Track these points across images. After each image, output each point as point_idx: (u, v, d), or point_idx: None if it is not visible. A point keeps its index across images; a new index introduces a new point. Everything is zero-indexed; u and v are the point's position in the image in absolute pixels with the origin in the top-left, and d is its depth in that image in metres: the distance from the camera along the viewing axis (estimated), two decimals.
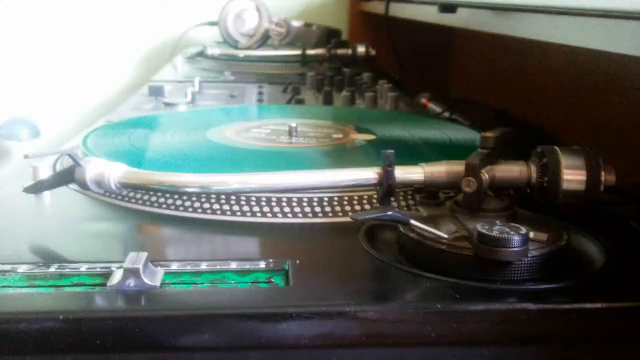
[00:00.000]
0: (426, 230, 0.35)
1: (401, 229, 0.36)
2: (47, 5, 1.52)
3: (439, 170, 0.38)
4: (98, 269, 0.34)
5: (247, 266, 0.35)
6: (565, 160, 0.35)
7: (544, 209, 0.38)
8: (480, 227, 0.33)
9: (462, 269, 0.33)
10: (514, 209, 0.37)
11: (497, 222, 0.34)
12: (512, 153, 0.39)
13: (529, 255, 0.33)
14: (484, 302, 0.31)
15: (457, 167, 0.38)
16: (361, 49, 1.15)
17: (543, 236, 0.34)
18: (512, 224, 0.34)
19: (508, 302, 0.31)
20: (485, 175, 0.36)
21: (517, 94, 1.09)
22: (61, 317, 0.29)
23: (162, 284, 0.33)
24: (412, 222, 0.35)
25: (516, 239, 0.32)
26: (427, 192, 0.41)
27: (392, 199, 0.39)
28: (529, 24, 0.60)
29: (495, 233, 0.32)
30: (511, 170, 0.37)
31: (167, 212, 0.43)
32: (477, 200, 0.37)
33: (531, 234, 0.34)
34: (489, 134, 0.38)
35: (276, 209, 0.42)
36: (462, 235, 0.35)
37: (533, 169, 0.37)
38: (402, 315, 0.30)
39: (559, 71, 0.93)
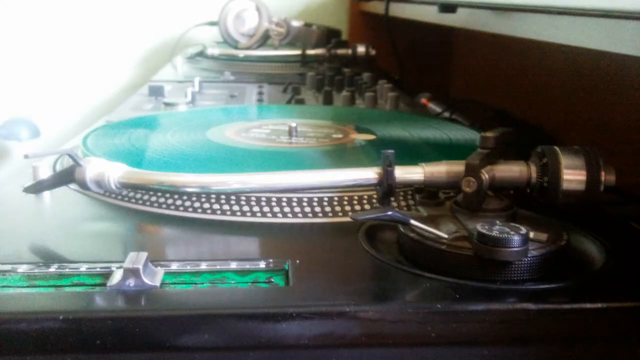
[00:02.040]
0: (426, 230, 0.35)
1: (401, 229, 0.36)
2: (47, 5, 1.52)
3: (439, 170, 0.38)
4: (98, 269, 0.34)
5: (247, 266, 0.35)
6: (565, 160, 0.35)
7: (544, 209, 0.38)
8: (480, 227, 0.33)
9: (462, 269, 0.33)
10: (514, 209, 0.38)
11: (497, 222, 0.34)
12: (512, 153, 0.39)
13: (529, 255, 0.33)
14: (484, 302, 0.31)
15: (457, 167, 0.38)
16: (361, 49, 1.15)
17: (543, 236, 0.34)
18: (512, 224, 0.34)
19: (508, 302, 0.31)
20: (485, 175, 0.36)
21: (517, 94, 1.09)
22: (61, 317, 0.29)
23: (162, 284, 0.33)
24: (412, 222, 0.35)
25: (516, 239, 0.32)
26: (427, 192, 0.41)
27: (392, 199, 0.39)
28: (529, 24, 0.60)
29: (495, 233, 0.32)
30: (511, 170, 0.37)
31: (167, 212, 0.43)
32: (477, 200, 0.37)
33: (531, 234, 0.34)
34: (489, 134, 0.38)
35: (276, 209, 0.42)
36: (462, 235, 0.35)
37: (533, 169, 0.37)
38: (402, 315, 0.30)
39: (559, 71, 0.93)
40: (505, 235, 0.32)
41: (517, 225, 0.33)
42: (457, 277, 0.33)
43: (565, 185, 0.35)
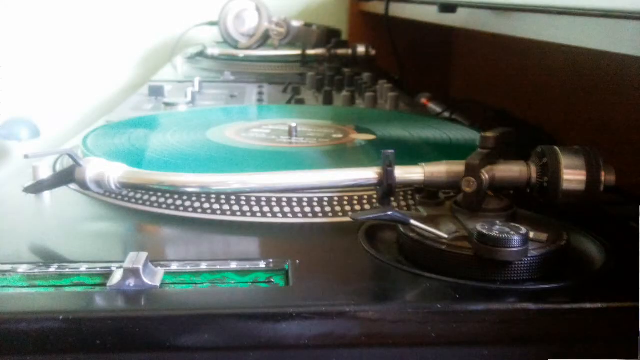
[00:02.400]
0: (426, 230, 0.35)
1: (401, 229, 0.36)
2: (47, 5, 1.52)
3: (439, 170, 0.38)
4: (98, 269, 0.34)
5: (247, 266, 0.35)
6: (565, 160, 0.35)
7: (544, 209, 0.38)
8: (480, 227, 0.33)
9: (462, 269, 0.33)
10: (514, 209, 0.38)
11: (497, 222, 0.34)
12: (512, 153, 0.39)
13: (529, 255, 0.33)
14: (484, 302, 0.31)
15: (457, 167, 0.38)
16: (361, 49, 1.15)
17: (543, 236, 0.34)
18: (512, 224, 0.34)
19: (508, 302, 0.31)
20: (485, 175, 0.36)
21: (517, 94, 1.09)
22: (61, 317, 0.29)
23: (162, 284, 0.33)
24: (412, 222, 0.35)
25: (516, 239, 0.32)
26: (427, 192, 0.41)
27: (392, 199, 0.39)
28: (529, 24, 0.60)
29: (495, 233, 0.32)
30: (511, 170, 0.37)
31: (167, 212, 0.43)
32: (477, 200, 0.37)
33: (531, 234, 0.34)
34: (489, 134, 0.38)
35: (276, 209, 0.42)
36: (462, 235, 0.35)
37: (533, 169, 0.37)
38: (402, 315, 0.30)
39: (559, 71, 0.93)
40: (505, 235, 0.32)
41: (517, 225, 0.33)
42: (457, 277, 0.33)
43: (565, 185, 0.35)
